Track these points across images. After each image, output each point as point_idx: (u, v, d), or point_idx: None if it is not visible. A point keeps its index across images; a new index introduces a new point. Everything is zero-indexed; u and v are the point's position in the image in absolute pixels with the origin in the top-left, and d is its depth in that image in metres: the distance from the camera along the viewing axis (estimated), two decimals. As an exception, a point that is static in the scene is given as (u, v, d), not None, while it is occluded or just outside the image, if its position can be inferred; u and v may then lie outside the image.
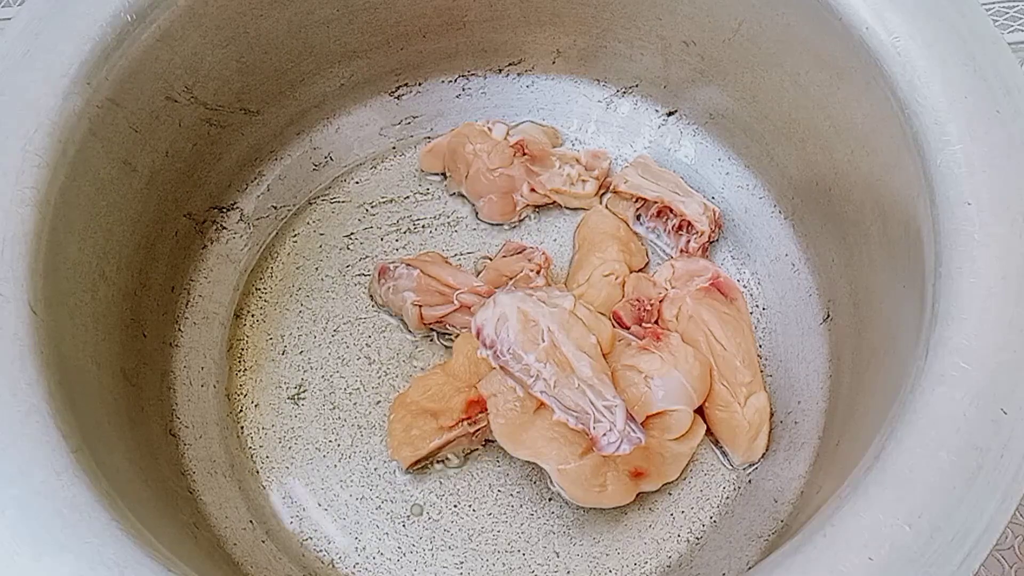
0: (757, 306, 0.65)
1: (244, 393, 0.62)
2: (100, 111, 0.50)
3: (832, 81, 0.53)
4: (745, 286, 0.66)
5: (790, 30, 0.55)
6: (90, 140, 0.49)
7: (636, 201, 0.66)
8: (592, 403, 0.52)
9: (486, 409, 0.56)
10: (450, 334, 0.63)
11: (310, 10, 0.61)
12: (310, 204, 0.69)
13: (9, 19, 0.48)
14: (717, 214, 0.65)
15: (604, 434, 0.51)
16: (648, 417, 0.56)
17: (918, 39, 0.47)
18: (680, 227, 0.65)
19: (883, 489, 0.38)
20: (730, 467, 0.60)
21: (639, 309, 0.61)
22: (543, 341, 0.53)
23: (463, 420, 0.57)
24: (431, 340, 0.64)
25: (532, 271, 0.62)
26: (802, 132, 0.59)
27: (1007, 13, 0.76)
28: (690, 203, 0.64)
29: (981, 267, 0.42)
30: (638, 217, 0.67)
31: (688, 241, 0.65)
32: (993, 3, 0.76)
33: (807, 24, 0.53)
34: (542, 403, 0.53)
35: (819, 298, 0.61)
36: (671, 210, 0.65)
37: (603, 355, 0.56)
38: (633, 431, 0.51)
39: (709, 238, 0.64)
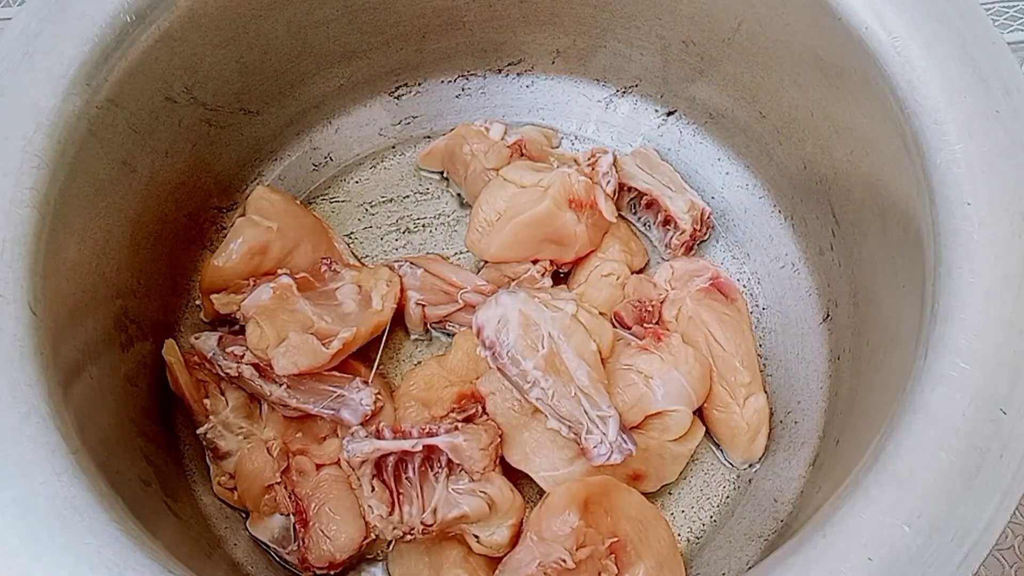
0: (757, 306, 0.65)
1: (244, 393, 0.62)
2: (100, 112, 0.50)
3: (831, 81, 0.53)
4: (745, 286, 0.66)
5: (789, 30, 0.55)
6: (89, 141, 0.49)
7: (630, 191, 0.66)
8: (586, 412, 0.52)
9: (477, 400, 0.57)
10: (451, 333, 0.63)
11: (309, 11, 0.61)
12: (310, 204, 0.69)
13: (9, 19, 0.48)
14: (706, 214, 0.65)
15: (595, 446, 0.51)
16: (647, 417, 0.56)
17: (917, 39, 0.47)
18: (667, 221, 0.65)
19: (883, 489, 0.38)
20: (730, 467, 0.60)
21: (640, 310, 0.61)
22: (542, 348, 0.53)
23: (453, 410, 0.57)
24: (429, 341, 0.64)
25: (538, 272, 0.62)
26: (801, 132, 0.59)
27: (1007, 13, 0.76)
28: (677, 199, 0.64)
29: (981, 267, 0.42)
30: (631, 205, 0.67)
31: (672, 237, 0.65)
32: (992, 3, 0.76)
33: (806, 24, 0.53)
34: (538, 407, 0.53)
35: (819, 298, 0.61)
36: (659, 203, 0.65)
37: (602, 361, 0.56)
38: (625, 442, 0.51)
39: (692, 236, 0.64)
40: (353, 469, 0.52)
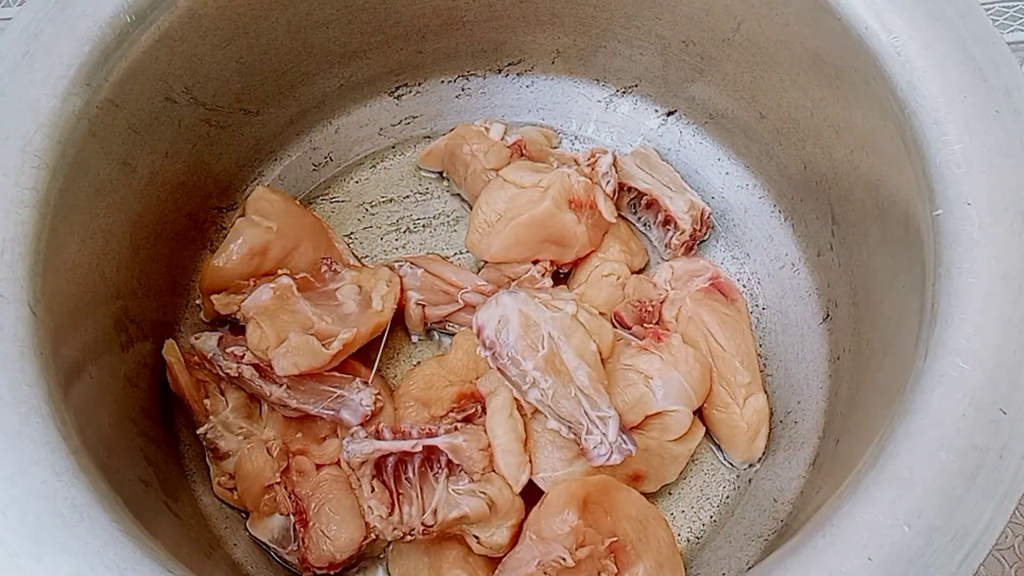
0: (757, 306, 0.65)
1: (244, 393, 0.62)
2: (100, 112, 0.50)
3: (831, 81, 0.53)
4: (745, 286, 0.66)
5: (789, 30, 0.55)
6: (90, 141, 0.49)
7: (630, 191, 0.66)
8: (586, 413, 0.52)
9: (477, 400, 0.57)
10: (451, 333, 0.63)
11: (309, 11, 0.60)
12: (310, 204, 0.69)
13: (9, 19, 0.48)
14: (706, 214, 0.65)
15: (595, 446, 0.51)
16: (647, 417, 0.56)
17: (917, 39, 0.47)
18: (667, 221, 0.65)
19: (883, 489, 0.38)
20: (729, 467, 0.60)
21: (640, 310, 0.61)
22: (542, 348, 0.53)
23: (452, 410, 0.57)
24: (430, 341, 0.64)
25: (539, 273, 0.62)
26: (801, 132, 0.59)
27: (1007, 13, 0.76)
28: (677, 199, 0.64)
29: (981, 267, 0.42)
30: (631, 205, 0.67)
31: (671, 237, 0.65)
32: (992, 3, 0.76)
33: (806, 24, 0.53)
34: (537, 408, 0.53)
35: (819, 298, 0.61)
36: (659, 203, 0.65)
37: (602, 361, 0.55)
38: (624, 443, 0.51)
39: (692, 236, 0.64)
40: (353, 470, 0.52)
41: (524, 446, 0.53)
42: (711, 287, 0.62)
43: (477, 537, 0.52)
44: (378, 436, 0.52)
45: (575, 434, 0.52)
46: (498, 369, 0.53)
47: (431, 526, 0.51)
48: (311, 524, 0.54)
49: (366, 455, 0.51)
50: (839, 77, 0.52)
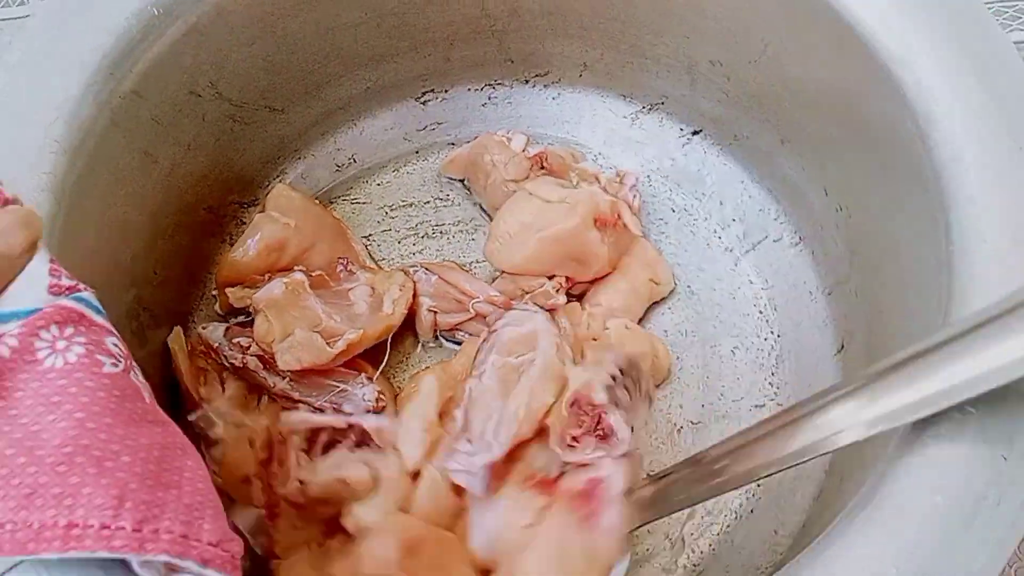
0: (772, 333, 0.63)
1: (251, 387, 0.62)
2: (123, 102, 0.51)
3: (853, 107, 0.52)
4: (761, 312, 0.64)
5: (814, 52, 0.53)
6: (111, 130, 0.50)
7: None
8: (483, 431, 0.50)
9: None
10: (460, 342, 0.63)
11: (338, 12, 0.61)
12: (330, 204, 0.70)
13: (15, 18, 0.49)
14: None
15: (457, 459, 0.50)
16: None
17: (941, 67, 0.45)
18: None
19: (874, 528, 0.37)
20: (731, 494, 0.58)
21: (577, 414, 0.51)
22: (518, 358, 0.52)
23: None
24: (440, 347, 0.64)
25: (553, 288, 0.61)
26: (822, 158, 0.58)
27: (1007, 12, 0.74)
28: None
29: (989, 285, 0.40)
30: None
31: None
32: (992, 3, 0.74)
33: (830, 47, 0.51)
34: None
35: (835, 328, 0.60)
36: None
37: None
38: (477, 480, 0.50)
39: None
40: (284, 438, 0.52)
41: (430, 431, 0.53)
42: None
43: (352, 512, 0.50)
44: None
45: (460, 434, 0.51)
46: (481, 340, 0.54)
47: (305, 483, 0.50)
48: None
49: (295, 425, 0.51)
50: (862, 100, 0.51)
